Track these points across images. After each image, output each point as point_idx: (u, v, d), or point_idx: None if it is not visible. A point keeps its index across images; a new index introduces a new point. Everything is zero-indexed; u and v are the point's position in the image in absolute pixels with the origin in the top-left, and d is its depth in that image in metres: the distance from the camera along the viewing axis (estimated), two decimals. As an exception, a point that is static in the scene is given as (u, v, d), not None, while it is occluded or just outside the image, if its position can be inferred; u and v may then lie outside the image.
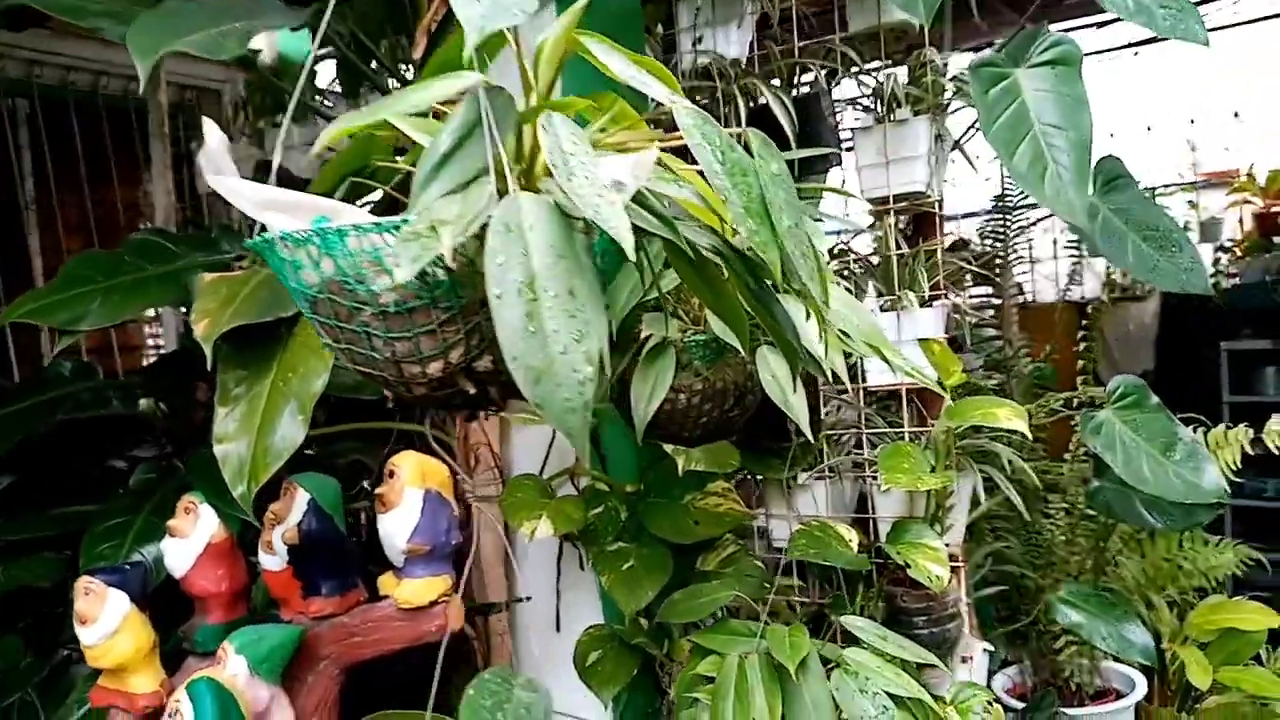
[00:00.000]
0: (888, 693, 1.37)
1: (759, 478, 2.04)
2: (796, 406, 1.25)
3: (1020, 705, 2.34)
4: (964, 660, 1.87)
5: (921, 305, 1.86)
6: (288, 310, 1.35)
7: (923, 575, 1.70)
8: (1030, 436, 1.75)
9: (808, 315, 0.93)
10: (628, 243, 0.64)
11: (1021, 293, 4.70)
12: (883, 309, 1.89)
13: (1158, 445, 1.86)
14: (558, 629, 1.92)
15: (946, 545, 1.83)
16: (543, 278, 0.65)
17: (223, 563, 1.62)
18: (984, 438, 1.93)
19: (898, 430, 1.93)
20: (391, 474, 1.52)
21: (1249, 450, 2.46)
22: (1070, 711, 2.28)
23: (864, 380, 1.94)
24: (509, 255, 0.64)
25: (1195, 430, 2.26)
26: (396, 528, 1.51)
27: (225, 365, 1.38)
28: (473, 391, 0.78)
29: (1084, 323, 2.64)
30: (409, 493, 1.50)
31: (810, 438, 1.26)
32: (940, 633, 1.77)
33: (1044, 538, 2.42)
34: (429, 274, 0.71)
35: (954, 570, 1.85)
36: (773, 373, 1.26)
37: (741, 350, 1.03)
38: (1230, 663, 2.75)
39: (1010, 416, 1.74)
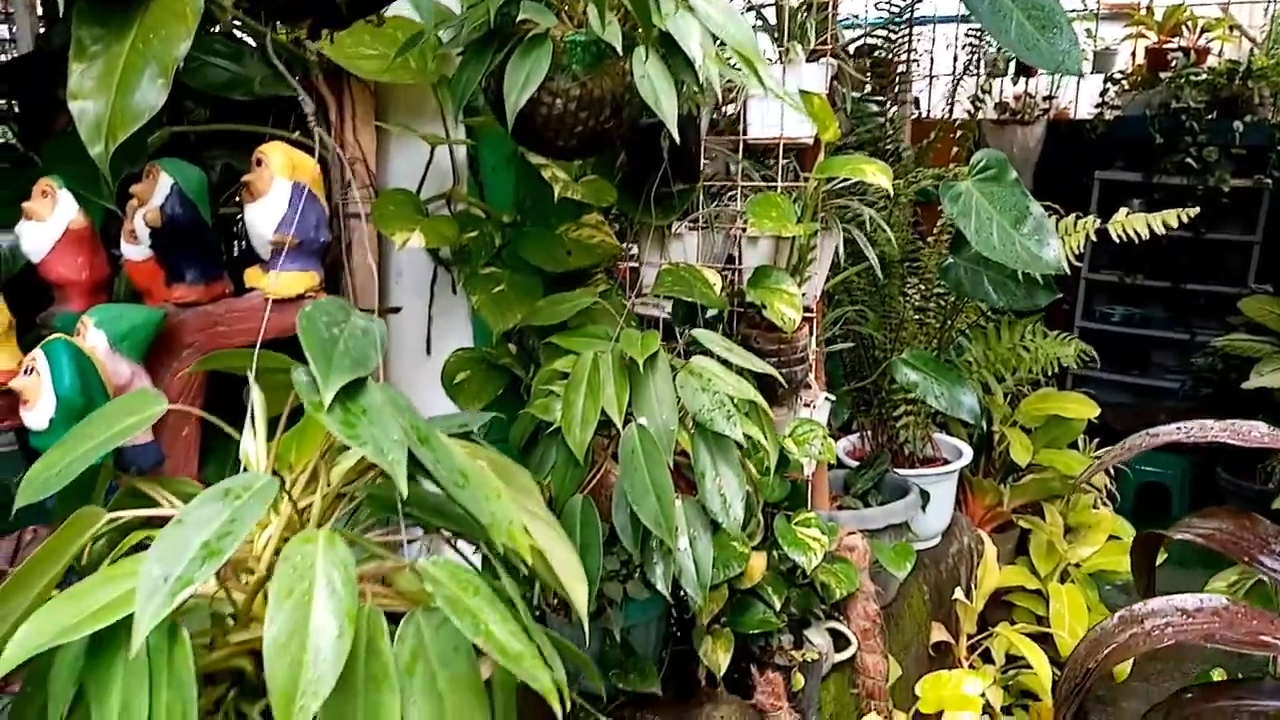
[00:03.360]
0: (727, 395, 1.47)
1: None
2: (666, 108, 1.27)
3: (857, 465, 2.54)
4: (807, 405, 2.02)
5: (808, 59, 1.88)
6: (150, -32, 1.29)
7: (776, 316, 1.80)
8: (892, 193, 1.83)
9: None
10: None
11: (917, 106, 4.77)
12: (770, 61, 1.90)
13: (1009, 216, 1.97)
14: (428, 352, 1.97)
15: (803, 295, 1.93)
16: None
17: (83, 250, 1.59)
18: (854, 199, 2.01)
19: (771, 184, 1.99)
20: (260, 162, 1.49)
21: (1093, 239, 2.64)
22: (901, 471, 2.49)
23: (745, 133, 1.98)
24: None
25: (1050, 217, 2.40)
26: (263, 217, 1.50)
27: (81, 21, 1.31)
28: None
29: (959, 123, 2.73)
30: (278, 182, 1.49)
31: (676, 138, 1.30)
32: (789, 374, 1.89)
33: (897, 312, 2.56)
34: None
35: (807, 320, 1.96)
36: (646, 73, 1.28)
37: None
38: (1051, 446, 3.04)
39: (877, 173, 1.81)
